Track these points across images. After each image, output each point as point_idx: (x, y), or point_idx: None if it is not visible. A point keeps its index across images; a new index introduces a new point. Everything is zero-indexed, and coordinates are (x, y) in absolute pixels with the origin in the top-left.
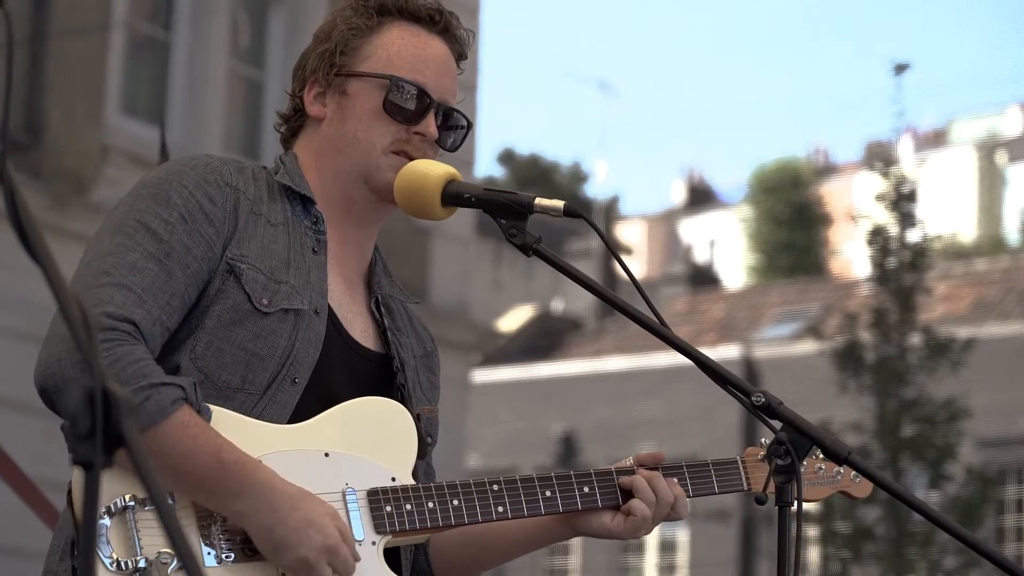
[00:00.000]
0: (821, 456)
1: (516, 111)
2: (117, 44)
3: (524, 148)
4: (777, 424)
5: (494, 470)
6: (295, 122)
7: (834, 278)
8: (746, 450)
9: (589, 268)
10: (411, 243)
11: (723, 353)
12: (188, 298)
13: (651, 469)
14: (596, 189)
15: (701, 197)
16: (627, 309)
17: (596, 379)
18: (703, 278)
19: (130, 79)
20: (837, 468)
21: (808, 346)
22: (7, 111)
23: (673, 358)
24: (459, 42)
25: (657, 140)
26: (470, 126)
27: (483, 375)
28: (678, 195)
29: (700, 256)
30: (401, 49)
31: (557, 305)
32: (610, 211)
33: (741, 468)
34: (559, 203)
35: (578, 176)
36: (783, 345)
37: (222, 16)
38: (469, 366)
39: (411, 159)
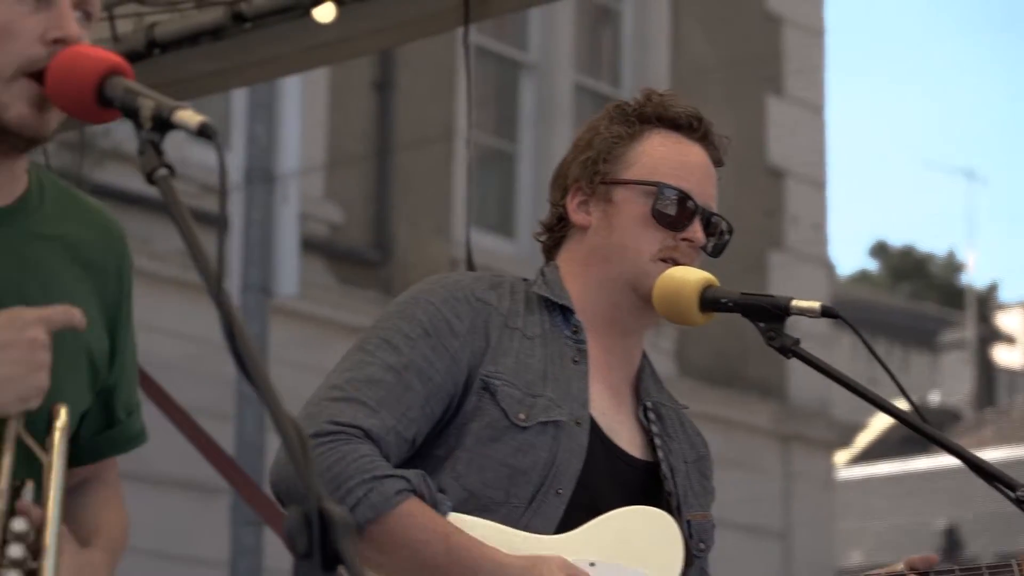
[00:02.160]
0: None
1: (874, 202)
2: (461, 155)
3: (891, 240)
4: None
5: (877, 567)
6: (557, 231)
7: None
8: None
9: (963, 358)
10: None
11: None
12: (430, 411)
13: (922, 574)
14: (970, 278)
15: None
16: (888, 407)
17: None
18: None
19: (477, 191)
20: None
21: None
22: (222, 241)
23: None
24: (717, 148)
25: None
26: (731, 231)
27: (859, 471)
28: None
29: None
30: (665, 156)
31: (933, 397)
32: (988, 300)
33: (1018, 573)
34: (816, 304)
35: (953, 266)
36: None
37: (565, 125)
38: (830, 463)
39: (677, 265)
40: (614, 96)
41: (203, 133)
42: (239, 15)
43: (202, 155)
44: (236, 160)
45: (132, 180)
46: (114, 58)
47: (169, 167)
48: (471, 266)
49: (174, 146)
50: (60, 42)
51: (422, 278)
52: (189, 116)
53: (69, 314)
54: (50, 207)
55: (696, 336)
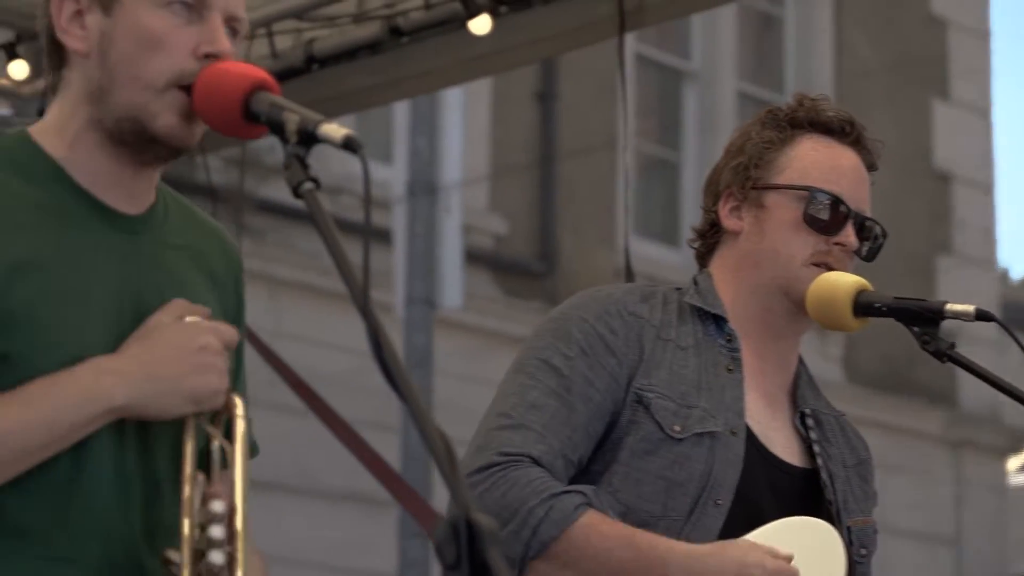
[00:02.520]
0: None
1: None
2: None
3: None
4: None
5: None
6: (710, 238)
7: None
8: None
9: None
10: None
11: None
12: (593, 430)
13: None
14: None
15: None
16: None
17: None
18: None
19: (641, 200)
20: None
21: None
22: (367, 257)
23: None
24: (870, 152)
25: None
26: (885, 235)
27: None
28: None
29: None
30: (816, 160)
31: None
32: None
33: None
34: (970, 308)
35: None
36: None
37: (728, 132)
38: (1002, 469)
39: (830, 270)
40: (777, 102)
41: (347, 146)
42: (396, 29)
43: (370, 169)
44: (399, 173)
45: None
46: (260, 73)
47: (315, 180)
48: (631, 276)
49: (341, 161)
50: (211, 57)
51: (587, 288)
52: (333, 130)
53: (235, 335)
54: (175, 218)
55: (864, 342)
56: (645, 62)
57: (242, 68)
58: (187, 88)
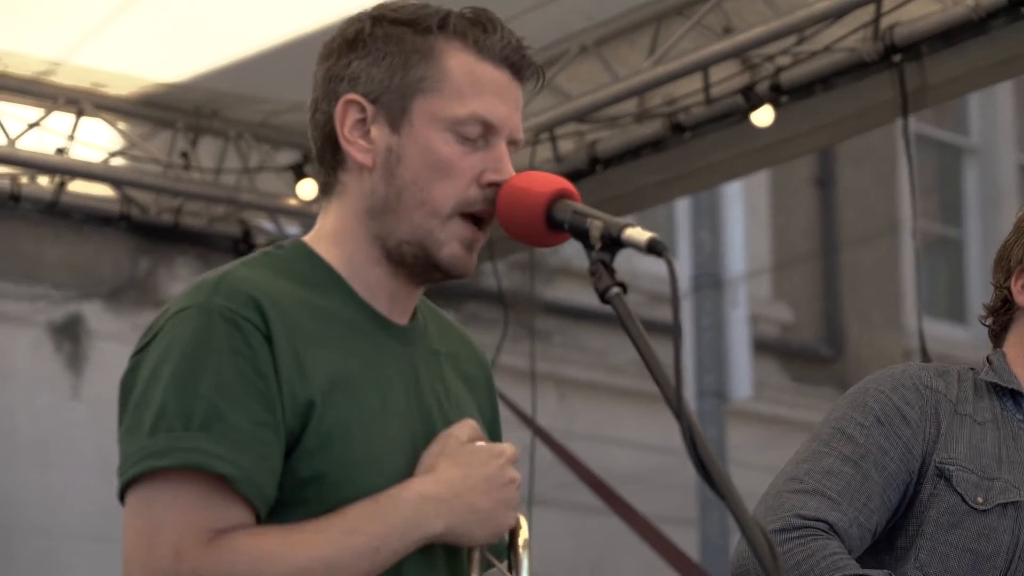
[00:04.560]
0: None
1: None
2: (908, 246)
3: None
4: None
5: None
6: (1003, 315)
7: None
8: None
9: None
10: None
11: None
12: (887, 499)
13: None
14: None
15: None
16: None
17: None
18: None
19: (926, 279)
20: None
21: None
22: (679, 351)
23: None
24: None
25: None
26: None
27: None
28: None
29: None
30: None
31: None
32: None
33: None
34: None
35: None
36: None
37: (1010, 206)
38: None
39: None
40: None
41: (652, 250)
42: (678, 125)
43: (650, 265)
44: (683, 268)
45: (582, 295)
46: (561, 182)
47: (621, 284)
48: (926, 355)
49: (624, 258)
50: (494, 186)
51: (875, 371)
52: (638, 233)
53: (518, 455)
54: (432, 325)
55: None
56: (924, 140)
57: (544, 178)
58: (469, 217)
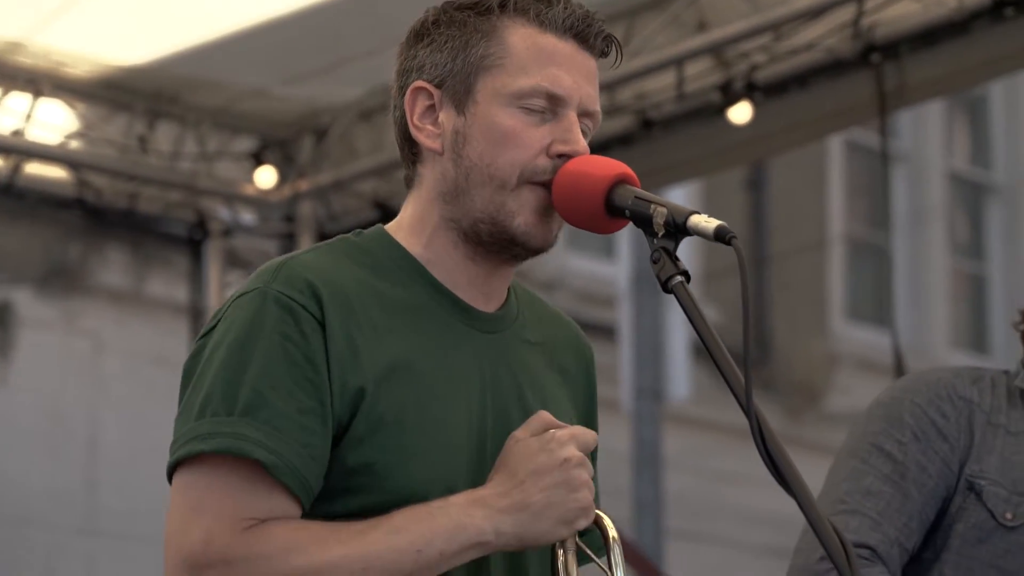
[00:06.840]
0: None
1: None
2: (836, 254)
3: None
4: None
5: None
6: None
7: None
8: None
9: None
10: None
11: None
12: (926, 516)
13: None
14: None
15: None
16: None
17: None
18: None
19: (852, 286)
20: None
21: None
22: (747, 347)
23: None
24: None
25: None
26: None
27: None
28: None
29: None
30: None
31: None
32: None
33: None
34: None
35: None
36: None
37: (939, 214)
38: None
39: None
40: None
41: (720, 237)
42: (648, 121)
43: (580, 264)
44: (624, 267)
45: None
46: (620, 166)
47: (685, 273)
48: (901, 371)
49: (553, 255)
50: (564, 156)
51: (803, 375)
52: (704, 221)
53: (592, 438)
54: (527, 313)
55: None
56: (855, 148)
57: (603, 162)
58: (541, 184)
